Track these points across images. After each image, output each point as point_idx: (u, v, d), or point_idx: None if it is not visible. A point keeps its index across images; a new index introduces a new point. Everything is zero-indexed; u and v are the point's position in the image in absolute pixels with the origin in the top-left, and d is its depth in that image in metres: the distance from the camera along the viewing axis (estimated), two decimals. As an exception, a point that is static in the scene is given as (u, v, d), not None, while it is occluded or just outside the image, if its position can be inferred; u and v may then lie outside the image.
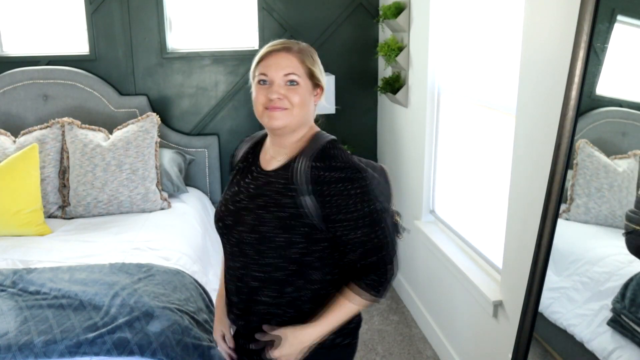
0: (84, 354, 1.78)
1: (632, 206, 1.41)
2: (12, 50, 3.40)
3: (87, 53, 3.38)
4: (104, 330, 1.84)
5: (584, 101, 1.48)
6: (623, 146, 1.48)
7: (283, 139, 1.42)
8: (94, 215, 2.97)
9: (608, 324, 1.43)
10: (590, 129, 1.54)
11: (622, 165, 1.47)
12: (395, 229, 1.48)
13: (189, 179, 3.49)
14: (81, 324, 1.88)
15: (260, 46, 1.53)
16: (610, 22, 1.47)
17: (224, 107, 3.56)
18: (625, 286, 1.40)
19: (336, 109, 3.21)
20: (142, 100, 3.39)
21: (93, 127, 3.11)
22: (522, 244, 1.94)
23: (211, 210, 3.32)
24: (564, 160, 1.52)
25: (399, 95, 3.12)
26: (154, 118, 3.12)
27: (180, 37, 3.48)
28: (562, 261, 1.61)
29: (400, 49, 3.08)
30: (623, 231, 1.42)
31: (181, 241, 2.66)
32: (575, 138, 1.51)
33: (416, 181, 3.04)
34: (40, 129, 3.05)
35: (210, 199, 3.53)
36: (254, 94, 1.40)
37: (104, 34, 3.35)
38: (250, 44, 3.52)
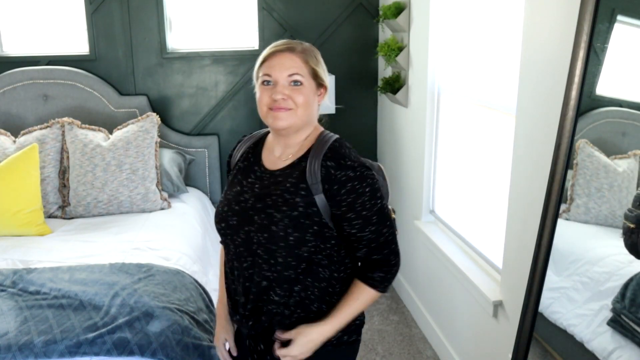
0: (84, 354, 1.78)
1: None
2: (12, 50, 3.40)
3: (87, 53, 3.39)
4: (104, 330, 1.84)
5: (584, 101, 1.48)
6: (623, 146, 1.48)
7: (288, 139, 1.43)
8: (94, 215, 2.97)
9: (608, 324, 1.43)
10: (590, 129, 1.54)
11: (622, 165, 1.47)
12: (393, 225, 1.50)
13: (189, 179, 3.49)
14: (81, 324, 1.88)
15: (260, 46, 1.53)
16: (610, 22, 1.47)
17: (224, 107, 3.56)
18: (625, 286, 1.40)
19: (336, 109, 3.21)
20: (142, 100, 3.39)
21: (93, 127, 3.11)
22: (522, 244, 1.94)
23: (211, 210, 3.32)
24: (564, 160, 1.52)
25: (399, 95, 3.12)
26: (154, 118, 3.12)
27: (180, 37, 3.48)
28: (562, 261, 1.61)
29: (400, 49, 3.07)
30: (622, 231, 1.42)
31: (181, 241, 2.66)
32: (575, 138, 1.51)
33: (416, 181, 3.04)
34: (40, 129, 3.05)
35: (210, 199, 3.53)
36: (257, 95, 1.40)
37: (104, 34, 3.35)
38: (250, 44, 3.51)
